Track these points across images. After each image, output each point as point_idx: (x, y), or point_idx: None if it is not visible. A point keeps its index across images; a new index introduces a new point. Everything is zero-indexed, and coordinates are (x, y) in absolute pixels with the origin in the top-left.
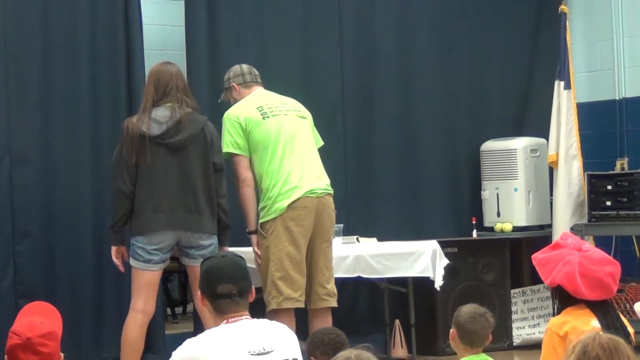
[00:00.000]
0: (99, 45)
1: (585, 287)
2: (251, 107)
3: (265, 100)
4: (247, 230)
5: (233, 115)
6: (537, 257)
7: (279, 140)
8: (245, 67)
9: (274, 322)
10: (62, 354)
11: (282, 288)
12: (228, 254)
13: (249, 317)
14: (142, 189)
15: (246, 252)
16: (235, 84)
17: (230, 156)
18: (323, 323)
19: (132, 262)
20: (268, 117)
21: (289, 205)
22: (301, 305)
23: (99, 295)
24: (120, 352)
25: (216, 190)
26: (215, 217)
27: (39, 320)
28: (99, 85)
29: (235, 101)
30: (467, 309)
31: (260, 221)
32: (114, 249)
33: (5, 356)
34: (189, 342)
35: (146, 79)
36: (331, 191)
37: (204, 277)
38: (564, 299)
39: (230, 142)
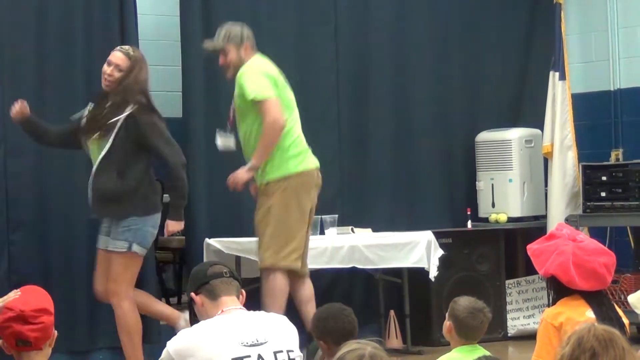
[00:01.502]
0: (94, 35)
1: (579, 277)
2: (275, 69)
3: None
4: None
5: (263, 68)
6: (532, 248)
7: (294, 109)
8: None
9: (271, 314)
10: (55, 332)
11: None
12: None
13: (244, 309)
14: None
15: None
16: (248, 44)
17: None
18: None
19: (137, 248)
20: (284, 84)
21: (304, 172)
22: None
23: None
24: (132, 342)
25: None
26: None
27: (30, 297)
28: (93, 75)
29: (239, 59)
30: (465, 303)
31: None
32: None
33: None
34: (183, 333)
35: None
36: None
37: (192, 276)
38: (558, 289)
39: (265, 85)
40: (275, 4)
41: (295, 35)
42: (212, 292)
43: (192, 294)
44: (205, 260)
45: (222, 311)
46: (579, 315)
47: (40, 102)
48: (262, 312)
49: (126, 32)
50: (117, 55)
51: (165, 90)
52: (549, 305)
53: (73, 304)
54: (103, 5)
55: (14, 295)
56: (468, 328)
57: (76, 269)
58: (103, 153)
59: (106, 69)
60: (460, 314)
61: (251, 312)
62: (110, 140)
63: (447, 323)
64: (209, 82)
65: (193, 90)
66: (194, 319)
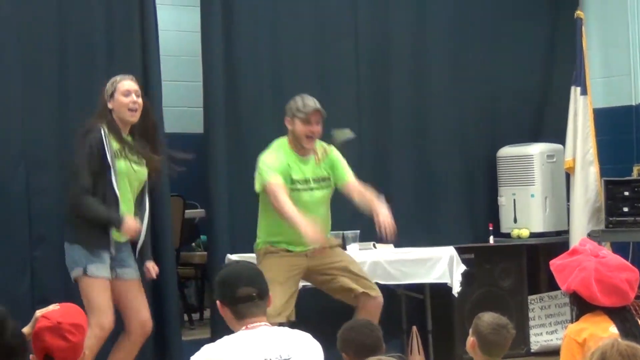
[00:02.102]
0: (115, 51)
1: (601, 293)
2: None
3: None
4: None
5: None
6: (555, 263)
7: None
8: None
9: (295, 330)
10: (85, 352)
11: None
12: (240, 261)
13: (268, 324)
14: None
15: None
16: None
17: None
18: None
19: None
20: None
21: None
22: None
23: None
24: None
25: None
26: (78, 225)
27: (69, 311)
28: None
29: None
30: (489, 319)
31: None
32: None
33: (31, 338)
34: (206, 348)
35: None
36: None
37: (222, 283)
38: (581, 305)
39: None
40: (296, 19)
41: (316, 50)
42: (239, 313)
43: (218, 301)
44: None
45: (247, 327)
46: (602, 331)
47: (61, 118)
48: (286, 329)
49: (147, 48)
50: (133, 83)
51: (187, 106)
52: (572, 321)
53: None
54: (124, 21)
55: (52, 307)
56: (491, 344)
57: None
58: (144, 185)
59: (135, 99)
60: (484, 330)
61: (275, 327)
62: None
63: (470, 339)
64: (229, 98)
65: (214, 106)
66: (215, 334)
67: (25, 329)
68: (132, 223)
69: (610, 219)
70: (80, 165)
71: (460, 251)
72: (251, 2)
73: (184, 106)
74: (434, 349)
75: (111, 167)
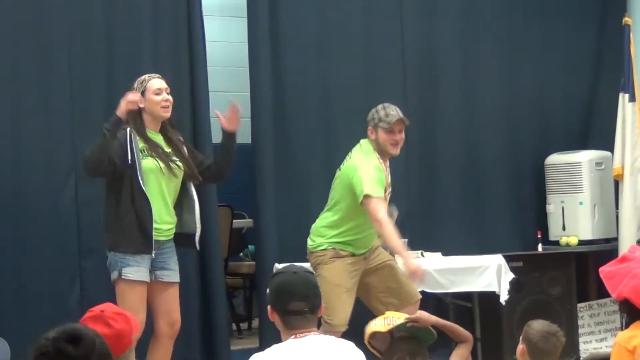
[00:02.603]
0: (162, 62)
1: None
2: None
3: None
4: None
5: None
6: (604, 270)
7: None
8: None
9: (341, 339)
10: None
11: None
12: (299, 270)
13: (317, 333)
14: None
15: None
16: None
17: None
18: None
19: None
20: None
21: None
22: None
23: None
24: None
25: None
26: (114, 232)
27: (114, 306)
28: None
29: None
30: (539, 327)
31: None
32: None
33: None
34: (255, 357)
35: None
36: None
37: (275, 293)
38: (632, 312)
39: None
40: (343, 29)
41: (363, 60)
42: (288, 324)
43: (270, 307)
44: None
45: (296, 336)
46: None
47: None
48: (332, 337)
49: (195, 59)
50: (163, 81)
51: None
52: (621, 329)
53: (144, 331)
54: (171, 33)
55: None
56: (541, 352)
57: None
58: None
59: (166, 96)
60: (534, 338)
61: (322, 336)
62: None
63: (520, 346)
64: (277, 108)
65: (261, 116)
66: (264, 344)
67: None
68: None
69: None
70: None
71: (508, 259)
72: (298, 12)
73: None
74: (483, 357)
75: (137, 164)
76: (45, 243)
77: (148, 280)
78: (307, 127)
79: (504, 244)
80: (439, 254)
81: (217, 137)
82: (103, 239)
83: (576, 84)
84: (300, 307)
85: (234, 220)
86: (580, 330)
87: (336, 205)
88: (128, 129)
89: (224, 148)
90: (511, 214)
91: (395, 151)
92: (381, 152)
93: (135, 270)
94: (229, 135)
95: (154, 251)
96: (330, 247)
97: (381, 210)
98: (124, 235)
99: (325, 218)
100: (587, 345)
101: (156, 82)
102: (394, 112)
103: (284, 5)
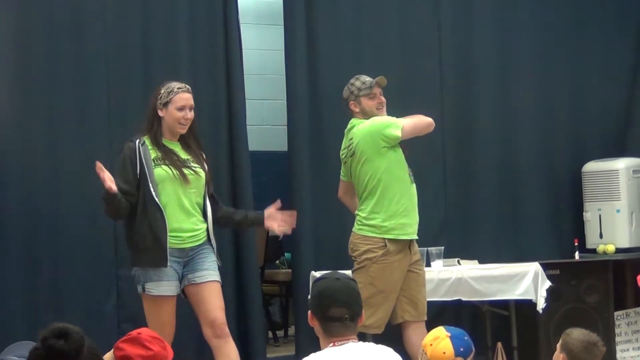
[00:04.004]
0: (199, 70)
1: None
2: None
3: None
4: None
5: None
6: None
7: None
8: None
9: (380, 345)
10: None
11: None
12: (342, 276)
13: (356, 340)
14: None
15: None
16: None
17: None
18: None
19: None
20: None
21: None
22: None
23: None
24: None
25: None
26: (131, 249)
27: (150, 330)
28: (200, 110)
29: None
30: (580, 337)
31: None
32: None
33: (114, 351)
34: None
35: None
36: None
37: (317, 298)
38: None
39: None
40: (379, 38)
41: (400, 68)
42: (328, 331)
43: (310, 311)
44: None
45: (334, 344)
46: None
47: None
48: (371, 344)
49: (232, 67)
50: (189, 97)
51: (271, 125)
52: None
53: (179, 336)
54: (208, 41)
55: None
56: None
57: (183, 304)
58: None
59: (188, 115)
60: (575, 348)
61: (361, 343)
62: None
63: (560, 355)
64: (314, 116)
65: (298, 124)
66: (300, 352)
67: (106, 356)
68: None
69: None
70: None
71: (545, 267)
72: (334, 20)
73: (268, 124)
74: None
75: (147, 175)
76: (82, 252)
77: (173, 293)
78: (343, 135)
79: (541, 252)
80: (476, 261)
81: (254, 145)
82: (129, 260)
83: (613, 91)
84: (341, 313)
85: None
86: (618, 339)
87: (369, 185)
88: (137, 141)
89: (243, 225)
90: (548, 221)
91: (384, 112)
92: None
93: (157, 285)
94: (262, 225)
95: (177, 260)
96: (382, 234)
97: (420, 116)
98: (139, 250)
99: (365, 208)
100: (625, 353)
101: (181, 99)
102: (368, 78)
103: (320, 13)
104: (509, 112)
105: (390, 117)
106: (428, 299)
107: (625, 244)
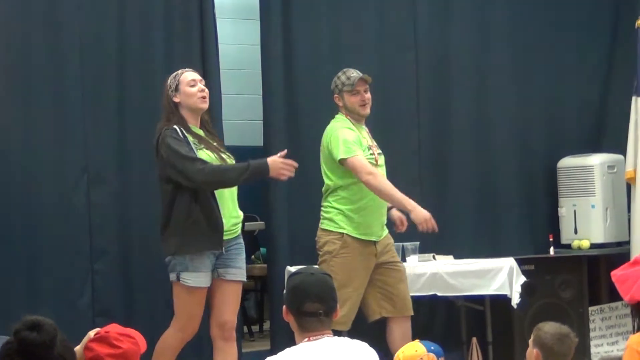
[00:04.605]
0: (175, 64)
1: None
2: None
3: None
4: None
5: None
6: (617, 274)
7: None
8: None
9: (355, 340)
10: None
11: None
12: (316, 271)
13: (331, 335)
14: None
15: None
16: None
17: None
18: None
19: None
20: None
21: None
22: None
23: None
24: None
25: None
26: (176, 236)
27: (124, 328)
28: None
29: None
30: (551, 330)
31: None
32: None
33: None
34: None
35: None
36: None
37: (291, 293)
38: None
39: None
40: (356, 32)
41: (376, 62)
42: (302, 326)
43: (285, 307)
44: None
45: (309, 339)
46: None
47: (121, 132)
48: (346, 339)
49: (207, 62)
50: (196, 73)
51: (247, 119)
52: (633, 332)
53: (155, 331)
54: (184, 36)
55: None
56: (557, 355)
57: (159, 298)
58: None
59: (202, 87)
60: (548, 341)
61: (336, 338)
62: None
63: (533, 351)
64: (289, 111)
65: (273, 119)
66: (275, 346)
67: (77, 347)
68: (274, 162)
69: None
70: (175, 155)
71: (520, 262)
72: (311, 15)
73: (244, 119)
74: None
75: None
76: (57, 245)
77: (207, 285)
78: (319, 130)
79: (516, 247)
80: (451, 257)
81: (229, 140)
82: (162, 244)
83: (589, 87)
84: (315, 308)
85: (246, 223)
86: (592, 334)
87: (334, 186)
88: (175, 126)
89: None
90: (523, 217)
91: (366, 111)
92: (353, 116)
93: (195, 276)
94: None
95: (224, 250)
96: (338, 233)
97: (366, 165)
98: (188, 235)
99: (329, 202)
100: (599, 348)
101: (189, 75)
102: (354, 73)
103: (297, 8)
104: (485, 108)
105: (342, 144)
106: None
107: (599, 239)
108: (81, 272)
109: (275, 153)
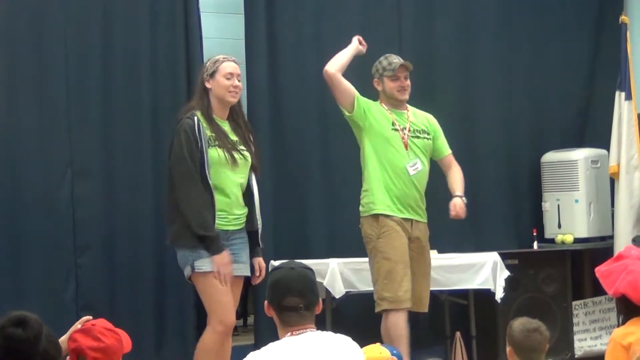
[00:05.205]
0: (159, 59)
1: None
2: None
3: None
4: None
5: None
6: (600, 270)
7: None
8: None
9: (338, 334)
10: None
11: None
12: (297, 266)
13: (314, 329)
14: None
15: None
16: None
17: None
18: None
19: None
20: None
21: None
22: None
23: (160, 307)
24: None
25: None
26: (174, 225)
27: (108, 322)
28: (159, 99)
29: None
30: (519, 326)
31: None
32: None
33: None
34: (252, 356)
35: None
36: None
37: (272, 287)
38: (628, 309)
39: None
40: (340, 26)
41: (360, 58)
42: (284, 320)
43: (266, 302)
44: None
45: (292, 333)
46: None
47: (106, 126)
48: (329, 333)
49: (191, 56)
50: (236, 66)
51: None
52: (617, 326)
53: (139, 328)
54: (168, 29)
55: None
56: (526, 350)
57: (143, 293)
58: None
59: (236, 82)
60: (516, 336)
61: (319, 332)
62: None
63: (507, 349)
64: (274, 105)
65: (258, 113)
66: (259, 341)
67: (62, 338)
68: (223, 259)
69: None
70: (184, 155)
71: (504, 257)
72: (295, 9)
73: None
74: (478, 355)
75: (205, 154)
76: (41, 239)
77: None
78: (303, 124)
79: (500, 241)
80: (435, 251)
81: None
82: (169, 235)
83: (573, 82)
84: (296, 302)
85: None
86: (575, 328)
87: (364, 161)
88: (195, 117)
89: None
90: (507, 211)
91: (404, 96)
92: (390, 102)
93: (209, 261)
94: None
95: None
96: (375, 210)
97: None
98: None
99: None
100: (582, 343)
101: (229, 66)
102: (396, 59)
103: (280, 2)
104: (470, 103)
105: None
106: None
107: (583, 234)
108: (65, 266)
109: (259, 146)
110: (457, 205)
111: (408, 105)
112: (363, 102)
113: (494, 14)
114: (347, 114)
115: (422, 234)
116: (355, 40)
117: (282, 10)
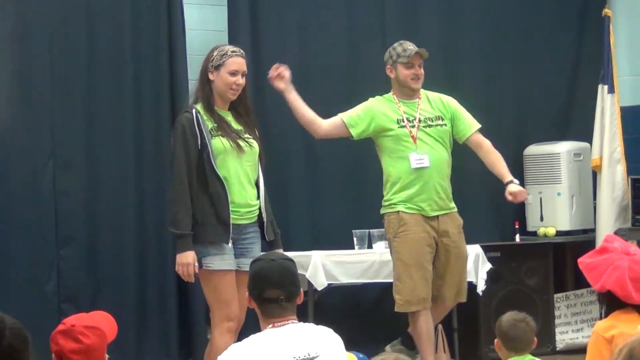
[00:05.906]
0: (142, 50)
1: (636, 291)
2: None
3: None
4: None
5: None
6: (584, 262)
7: None
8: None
9: (320, 326)
10: (107, 355)
11: None
12: (277, 257)
13: (296, 321)
14: None
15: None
16: None
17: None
18: None
19: None
20: None
21: None
22: None
23: (143, 300)
24: None
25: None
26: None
27: (90, 316)
28: (142, 90)
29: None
30: (506, 318)
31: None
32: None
33: (51, 344)
34: (234, 347)
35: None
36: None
37: (253, 279)
38: (612, 303)
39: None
40: (324, 19)
41: (344, 50)
42: (265, 312)
43: (247, 294)
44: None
45: (274, 325)
46: (631, 329)
47: (89, 118)
48: (311, 325)
49: (174, 48)
50: (243, 62)
51: None
52: (600, 318)
53: (121, 320)
54: (152, 21)
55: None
56: (513, 340)
57: (125, 285)
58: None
59: (239, 81)
60: (503, 328)
61: (301, 324)
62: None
63: (496, 341)
64: (257, 97)
65: None
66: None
67: None
68: (182, 259)
69: (637, 217)
70: (176, 151)
71: (486, 249)
72: (279, 1)
73: None
74: (460, 348)
75: (208, 146)
76: (23, 231)
77: (233, 267)
78: (286, 116)
79: (482, 234)
80: None
81: None
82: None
83: (555, 75)
84: (276, 294)
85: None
86: (557, 321)
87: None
88: (194, 110)
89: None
90: (489, 204)
91: (417, 85)
92: (403, 90)
93: (219, 258)
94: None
95: (231, 237)
96: (393, 209)
97: (329, 121)
98: (198, 225)
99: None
100: (564, 335)
101: (235, 62)
102: (411, 46)
103: None
104: (452, 95)
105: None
106: (370, 280)
107: (565, 226)
108: (47, 258)
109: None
110: (518, 194)
111: (422, 91)
112: (358, 119)
113: (478, 7)
114: (353, 139)
115: (452, 226)
116: (271, 79)
117: (265, 1)
